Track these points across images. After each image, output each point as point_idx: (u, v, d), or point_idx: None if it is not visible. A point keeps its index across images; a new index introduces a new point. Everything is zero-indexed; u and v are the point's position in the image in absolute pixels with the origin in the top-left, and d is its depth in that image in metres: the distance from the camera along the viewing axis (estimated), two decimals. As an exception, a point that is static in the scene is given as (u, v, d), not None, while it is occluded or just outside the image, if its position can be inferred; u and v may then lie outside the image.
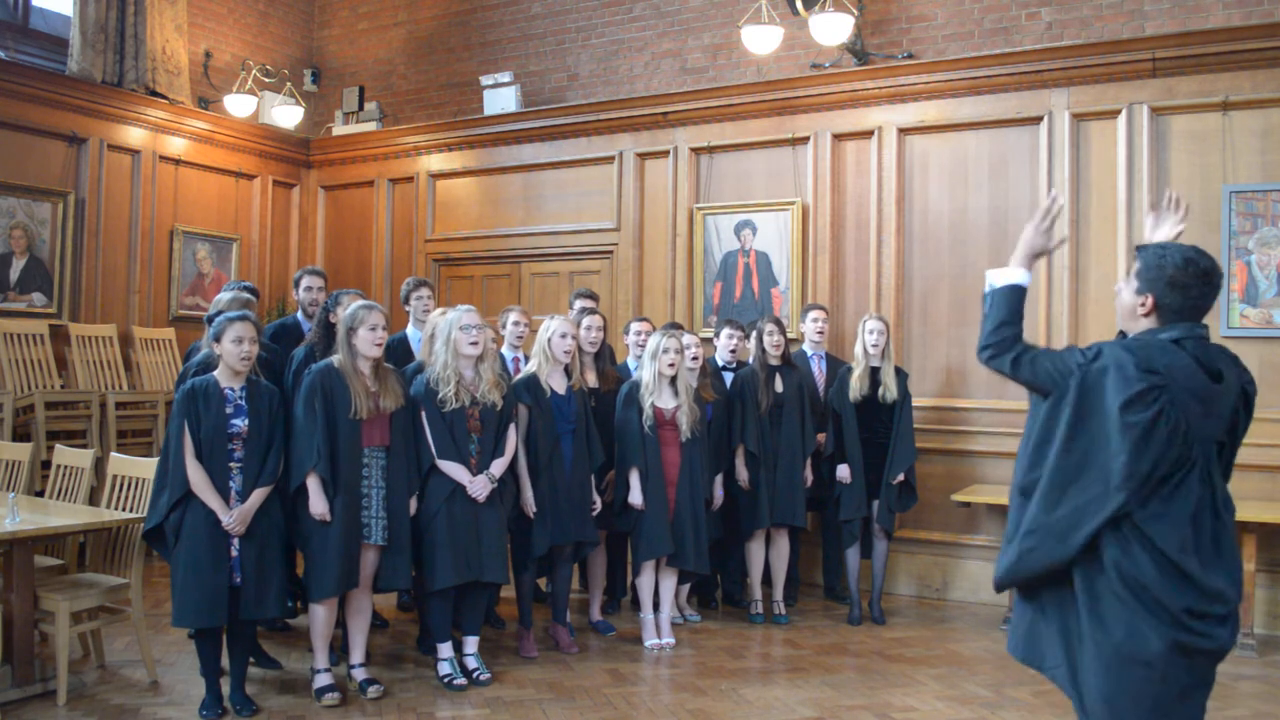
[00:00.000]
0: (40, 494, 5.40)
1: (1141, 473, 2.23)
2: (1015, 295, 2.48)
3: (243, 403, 4.18)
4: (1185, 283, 2.35)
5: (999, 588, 2.66)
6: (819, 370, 6.26)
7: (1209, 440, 2.31)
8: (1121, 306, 2.47)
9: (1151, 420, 2.21)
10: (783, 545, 5.90)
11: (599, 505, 5.26)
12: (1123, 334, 2.48)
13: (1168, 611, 2.23)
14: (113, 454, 5.13)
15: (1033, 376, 2.40)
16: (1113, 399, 2.24)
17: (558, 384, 5.13)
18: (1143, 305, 2.39)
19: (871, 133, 6.85)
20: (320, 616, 4.40)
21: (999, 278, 2.51)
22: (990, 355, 2.47)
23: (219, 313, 4.49)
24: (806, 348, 6.31)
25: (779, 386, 5.79)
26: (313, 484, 4.26)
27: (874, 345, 5.77)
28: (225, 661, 4.31)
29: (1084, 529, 2.28)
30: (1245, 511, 4.11)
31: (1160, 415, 2.22)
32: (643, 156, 7.67)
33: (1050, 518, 2.33)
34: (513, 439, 4.80)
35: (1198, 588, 2.24)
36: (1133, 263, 2.47)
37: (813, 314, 6.30)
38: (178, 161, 8.19)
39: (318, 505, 4.25)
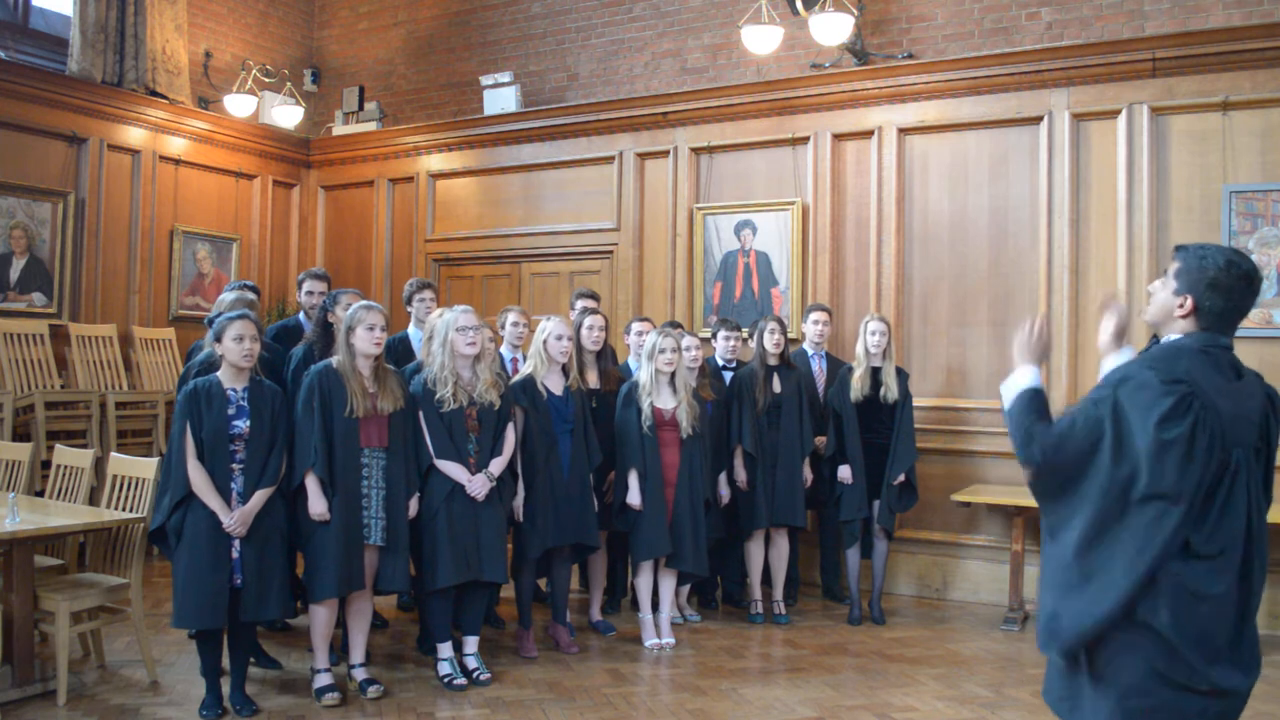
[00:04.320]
0: (40, 494, 5.40)
1: (1186, 491, 2.15)
2: (1034, 400, 2.37)
3: (245, 403, 4.18)
4: (1228, 285, 2.28)
5: (1070, 650, 2.28)
6: (819, 370, 6.26)
7: (1246, 445, 2.26)
8: (1157, 306, 2.38)
9: (1190, 432, 2.15)
10: (782, 545, 5.89)
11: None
12: (1155, 338, 2.43)
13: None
14: (113, 454, 5.13)
15: (1070, 436, 2.24)
16: (1145, 417, 2.16)
17: (554, 385, 5.13)
18: (1181, 307, 2.32)
19: (871, 133, 6.85)
20: (320, 617, 4.40)
21: (1009, 388, 2.41)
22: (1028, 466, 2.30)
23: (219, 313, 4.49)
24: (807, 347, 6.31)
25: (777, 386, 5.79)
26: (311, 484, 4.26)
27: (875, 345, 5.77)
28: (225, 661, 4.32)
29: (1147, 556, 2.16)
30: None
31: (1197, 425, 2.15)
32: (643, 156, 7.67)
33: (1110, 555, 2.19)
34: (511, 438, 4.80)
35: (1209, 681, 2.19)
36: (1171, 262, 2.40)
37: (815, 315, 6.30)
38: (178, 161, 8.19)
39: (316, 505, 4.25)
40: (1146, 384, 2.20)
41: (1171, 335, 2.36)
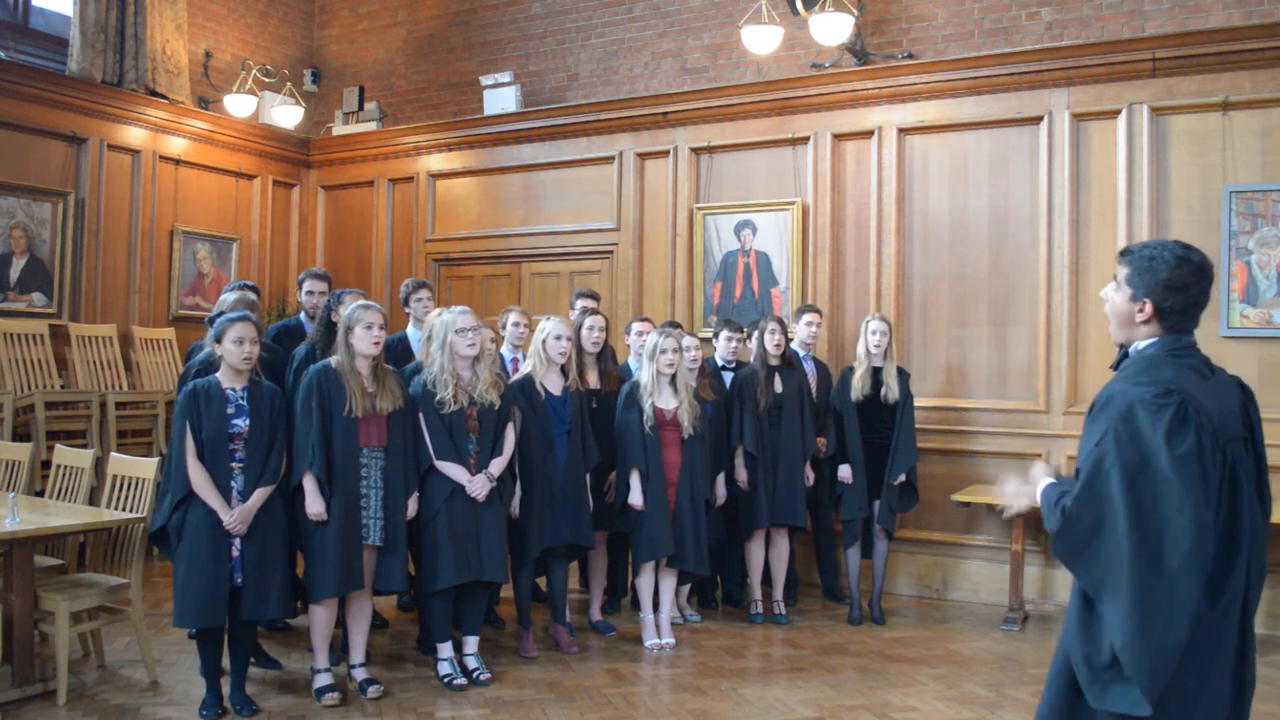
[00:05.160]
0: (40, 494, 5.39)
1: (1212, 512, 2.11)
2: (1050, 492, 2.36)
3: (244, 403, 4.19)
4: (1184, 283, 2.23)
5: (1156, 696, 2.13)
6: (809, 372, 6.24)
7: (1236, 439, 2.24)
8: (1115, 313, 2.33)
9: (1196, 442, 2.10)
10: (782, 545, 5.89)
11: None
12: (1123, 348, 2.37)
13: None
14: (113, 454, 5.13)
15: (1094, 476, 2.17)
16: (1154, 435, 2.11)
17: (553, 385, 5.13)
18: (1141, 312, 2.27)
19: (871, 133, 6.85)
20: (320, 617, 4.40)
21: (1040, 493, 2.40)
22: (1055, 537, 2.28)
23: (221, 313, 4.49)
24: (797, 349, 6.26)
25: (778, 387, 5.79)
26: (308, 484, 4.26)
27: (876, 345, 5.76)
28: (225, 661, 4.32)
29: (1198, 576, 2.10)
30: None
31: (1200, 432, 2.12)
32: (643, 156, 7.67)
33: (1155, 600, 2.09)
34: (511, 438, 4.80)
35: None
36: (1118, 267, 2.34)
37: (807, 316, 6.28)
38: (178, 161, 8.19)
39: (313, 505, 4.25)
40: (1141, 403, 2.14)
41: (1139, 343, 2.31)
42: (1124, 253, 2.35)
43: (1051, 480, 2.40)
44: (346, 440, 4.32)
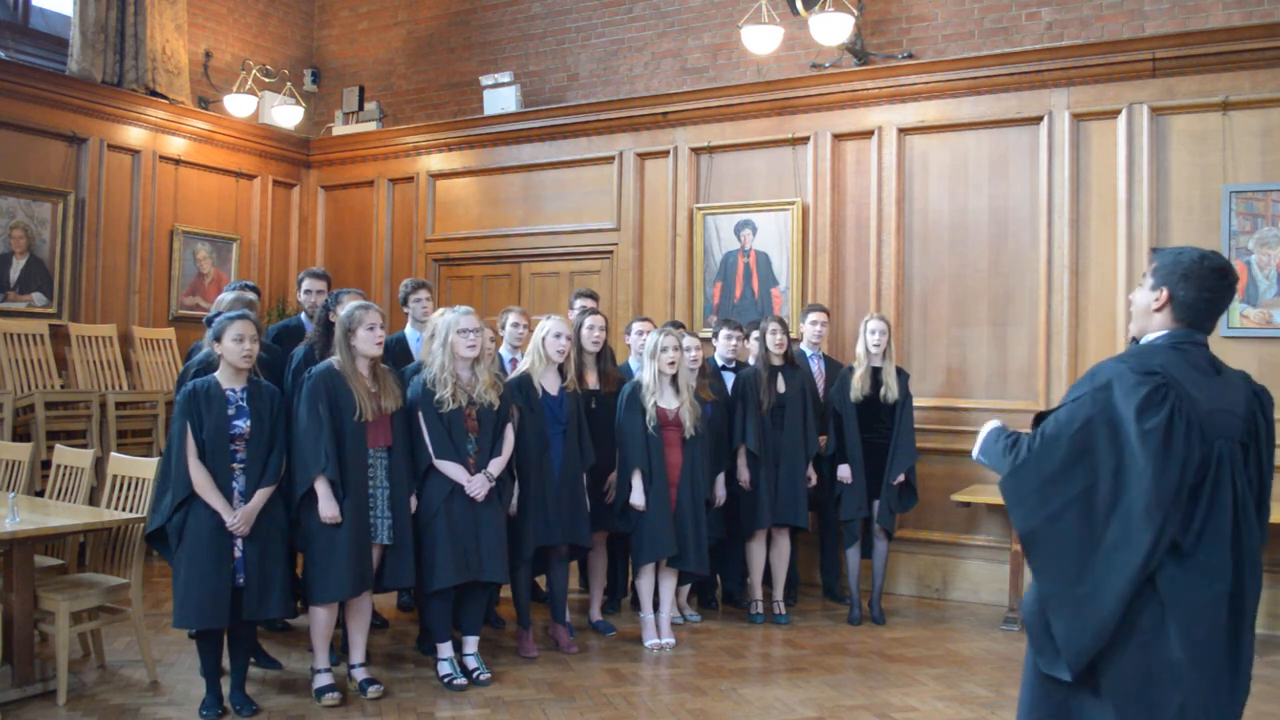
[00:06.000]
0: (40, 494, 5.39)
1: (1169, 492, 2.16)
2: (1003, 429, 2.51)
3: (244, 403, 4.18)
4: (1200, 275, 2.34)
5: (1078, 669, 2.25)
6: (818, 371, 6.26)
7: (1229, 438, 2.26)
8: (1137, 306, 2.44)
9: (1168, 421, 2.17)
10: (783, 545, 5.89)
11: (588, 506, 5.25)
12: (1134, 340, 2.47)
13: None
14: (113, 454, 5.13)
15: (1063, 427, 2.27)
16: (1126, 406, 2.20)
17: (550, 384, 5.13)
18: (1157, 300, 2.38)
19: (871, 133, 6.85)
20: (321, 617, 4.40)
21: (981, 438, 2.55)
22: (1005, 475, 2.38)
23: (219, 313, 4.49)
24: (805, 348, 6.29)
25: (781, 387, 5.79)
26: (322, 488, 4.25)
27: (876, 345, 5.77)
28: (225, 661, 4.32)
29: (1136, 558, 2.16)
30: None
31: (1174, 413, 2.18)
32: (643, 156, 7.67)
33: (1099, 560, 2.19)
34: (510, 438, 4.79)
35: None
36: (1149, 264, 2.47)
37: (813, 315, 6.30)
38: (178, 161, 8.19)
39: (328, 509, 4.24)
40: (1121, 377, 2.24)
41: (1149, 335, 2.41)
42: (1156, 250, 2.51)
43: (999, 424, 2.53)
44: (356, 443, 4.33)
